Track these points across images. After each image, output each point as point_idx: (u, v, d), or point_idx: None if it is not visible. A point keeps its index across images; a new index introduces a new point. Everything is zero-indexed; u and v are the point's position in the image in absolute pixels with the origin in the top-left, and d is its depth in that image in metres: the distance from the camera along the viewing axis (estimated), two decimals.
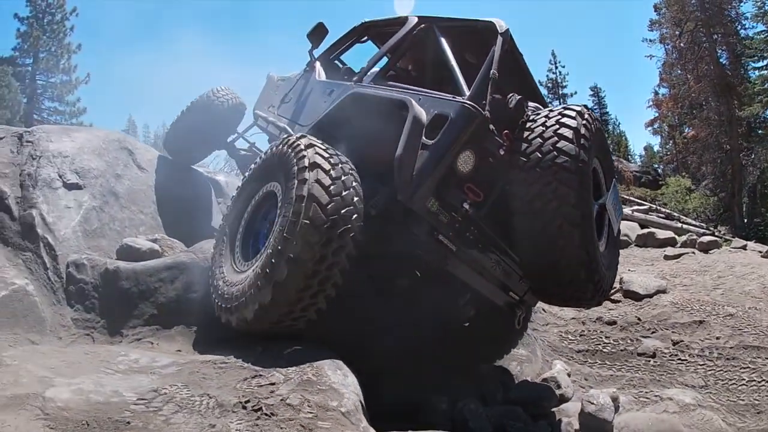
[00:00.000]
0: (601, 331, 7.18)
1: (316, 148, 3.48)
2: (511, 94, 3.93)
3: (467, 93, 3.71)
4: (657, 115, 33.11)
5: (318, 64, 5.49)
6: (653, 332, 7.02)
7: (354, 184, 3.40)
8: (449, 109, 3.58)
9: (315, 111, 4.76)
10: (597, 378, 6.11)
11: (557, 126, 3.65)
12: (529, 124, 3.81)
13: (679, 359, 6.33)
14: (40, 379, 2.55)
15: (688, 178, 27.44)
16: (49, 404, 2.29)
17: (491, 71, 3.79)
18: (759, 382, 5.76)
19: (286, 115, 5.40)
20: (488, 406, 4.57)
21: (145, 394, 2.51)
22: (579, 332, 7.28)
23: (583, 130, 3.63)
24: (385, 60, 5.00)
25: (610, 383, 5.88)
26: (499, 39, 3.99)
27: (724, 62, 27.17)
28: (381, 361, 3.91)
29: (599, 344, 6.89)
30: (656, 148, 38.93)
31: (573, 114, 3.72)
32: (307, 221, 3.15)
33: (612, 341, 6.90)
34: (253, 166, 4.11)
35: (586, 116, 3.77)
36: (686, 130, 30.98)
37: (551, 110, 3.88)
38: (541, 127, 3.70)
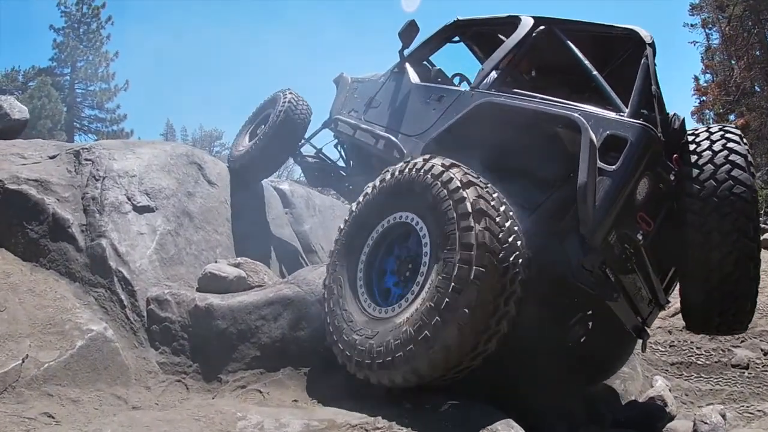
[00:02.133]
0: (691, 342, 6.86)
1: (474, 185, 3.03)
2: (673, 113, 3.75)
3: (625, 109, 3.37)
4: (701, 102, 31.78)
5: (409, 65, 4.98)
6: (742, 341, 6.68)
7: (516, 227, 3.02)
8: (626, 131, 3.22)
9: (423, 119, 4.30)
10: (697, 393, 5.81)
11: (726, 152, 3.51)
12: (693, 147, 3.63)
13: None
14: None
15: None
16: None
17: (653, 87, 3.52)
18: None
19: (379, 121, 4.88)
20: (602, 428, 4.41)
21: None
22: (668, 343, 7.01)
23: (749, 157, 3.53)
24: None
25: (710, 398, 5.62)
26: (649, 50, 3.65)
27: None
28: (495, 384, 3.54)
29: (692, 356, 6.61)
30: None
31: (737, 138, 3.59)
32: (482, 269, 2.75)
33: (704, 352, 6.59)
34: (369, 190, 3.59)
35: (744, 139, 3.65)
36: (731, 118, 29.73)
37: (709, 131, 3.71)
38: (708, 152, 3.55)
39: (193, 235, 4.83)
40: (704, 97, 31.11)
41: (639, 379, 5.77)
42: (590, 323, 4.68)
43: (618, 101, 3.42)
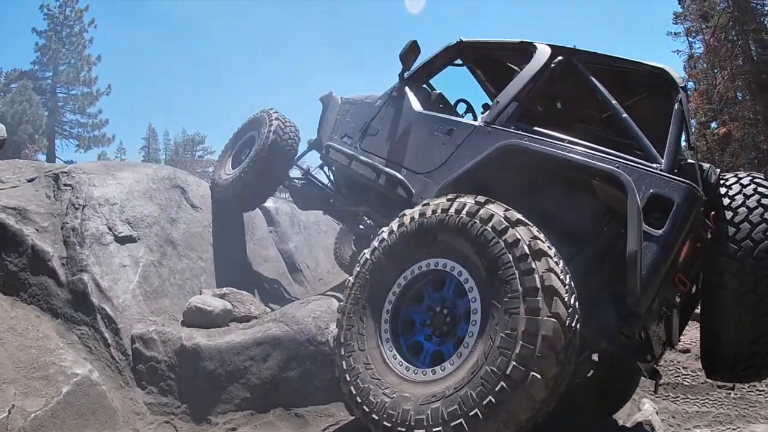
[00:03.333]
0: (678, 361, 6.75)
1: (523, 223, 2.80)
2: (709, 166, 3.55)
3: (660, 159, 3.14)
4: None
5: (409, 89, 4.58)
6: None
7: (566, 266, 2.80)
8: (672, 192, 2.94)
9: (432, 154, 3.94)
10: (684, 415, 5.74)
11: (761, 209, 3.35)
12: (726, 201, 3.45)
13: (758, 390, 5.96)
14: None
15: None
16: None
17: (692, 139, 3.38)
18: None
19: (378, 152, 4.47)
20: None
21: None
22: None
23: None
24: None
25: (696, 420, 5.58)
26: (683, 95, 3.44)
27: (756, 58, 26.12)
28: None
29: (678, 376, 6.50)
30: None
31: None
32: (553, 320, 2.49)
33: (690, 372, 6.46)
34: (386, 236, 3.23)
35: None
36: (714, 126, 29.99)
37: (740, 183, 3.52)
38: (744, 209, 3.37)
39: (177, 264, 4.73)
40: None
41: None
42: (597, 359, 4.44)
43: (652, 150, 3.20)
